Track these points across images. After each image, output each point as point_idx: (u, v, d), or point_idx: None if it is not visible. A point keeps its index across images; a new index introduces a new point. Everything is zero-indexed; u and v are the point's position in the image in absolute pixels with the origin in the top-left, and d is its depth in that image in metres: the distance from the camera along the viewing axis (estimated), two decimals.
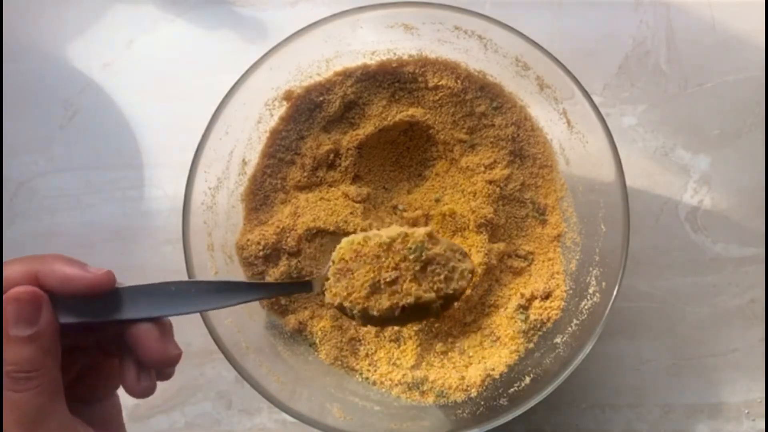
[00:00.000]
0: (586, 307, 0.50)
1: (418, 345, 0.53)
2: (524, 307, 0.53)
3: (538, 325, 0.52)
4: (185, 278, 0.48)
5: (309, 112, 0.54)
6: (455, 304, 0.48)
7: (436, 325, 0.53)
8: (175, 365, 0.39)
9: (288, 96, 0.54)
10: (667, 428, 0.55)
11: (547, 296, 0.52)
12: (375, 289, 0.44)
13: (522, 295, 0.53)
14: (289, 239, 0.52)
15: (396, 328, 0.53)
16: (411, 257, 0.44)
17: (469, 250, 0.53)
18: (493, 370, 0.52)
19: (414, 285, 0.43)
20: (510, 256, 0.55)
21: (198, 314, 0.47)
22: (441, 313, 0.46)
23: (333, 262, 0.45)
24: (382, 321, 0.45)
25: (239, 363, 0.47)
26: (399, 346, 0.53)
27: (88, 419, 0.37)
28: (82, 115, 0.61)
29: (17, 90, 0.61)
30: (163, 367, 0.39)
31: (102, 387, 0.41)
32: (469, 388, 0.51)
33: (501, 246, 0.53)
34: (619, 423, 0.55)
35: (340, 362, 0.53)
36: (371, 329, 0.54)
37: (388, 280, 0.43)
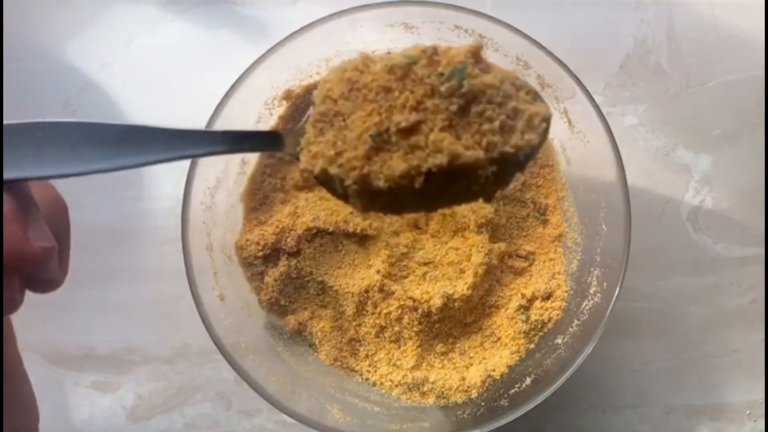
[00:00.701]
0: (587, 307, 0.50)
1: (418, 346, 0.53)
2: (525, 308, 0.52)
3: (539, 326, 0.52)
4: (185, 280, 0.47)
5: (309, 111, 0.54)
6: (517, 175, 0.31)
7: (437, 325, 0.53)
8: (45, 265, 0.25)
9: (287, 95, 0.53)
10: (669, 429, 0.55)
11: (548, 297, 0.52)
12: (381, 142, 0.27)
13: (523, 296, 0.53)
14: (288, 239, 0.52)
15: (396, 328, 0.53)
16: (443, 89, 0.27)
17: (470, 250, 0.53)
18: (494, 370, 0.51)
19: (447, 135, 0.27)
20: (511, 257, 0.54)
21: (197, 315, 0.47)
22: (494, 188, 0.29)
23: (314, 104, 0.30)
24: (392, 201, 0.28)
25: (238, 363, 0.47)
26: (399, 347, 0.53)
27: None
28: (81, 114, 0.61)
29: (16, 89, 0.61)
30: (23, 266, 0.24)
31: None
32: (469, 389, 0.51)
33: (502, 246, 0.53)
34: (620, 424, 0.55)
35: (339, 363, 0.53)
36: (371, 330, 0.53)
37: (403, 125, 0.27)
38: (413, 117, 0.27)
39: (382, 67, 0.28)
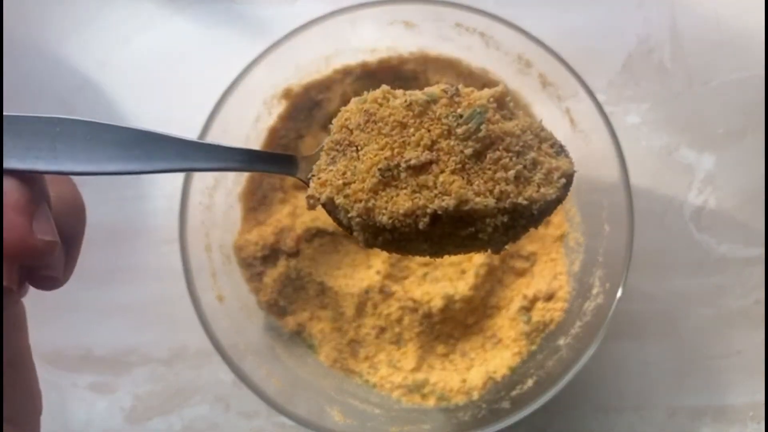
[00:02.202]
0: (589, 308, 0.49)
1: (419, 347, 0.52)
2: (527, 309, 0.52)
3: (541, 327, 0.52)
4: (183, 280, 0.47)
5: (308, 110, 0.53)
6: (532, 230, 0.29)
7: (438, 326, 0.52)
8: (45, 259, 0.24)
9: (287, 94, 0.53)
10: (671, 431, 0.55)
11: (550, 297, 0.52)
12: (390, 178, 0.27)
13: (525, 297, 0.52)
14: (287, 240, 0.52)
15: (396, 329, 0.52)
16: (459, 131, 0.27)
17: None
18: (495, 372, 0.51)
19: (457, 179, 0.26)
20: (512, 257, 0.54)
21: (195, 315, 0.47)
22: (504, 240, 0.28)
23: (331, 132, 0.30)
24: (397, 240, 0.28)
25: (237, 365, 0.46)
26: (399, 348, 0.53)
27: None
28: (78, 113, 0.60)
29: (14, 88, 0.61)
30: (24, 257, 0.24)
31: None
32: (470, 391, 0.51)
33: None
34: (622, 426, 0.55)
35: (339, 364, 0.53)
36: (371, 331, 0.53)
37: (413, 163, 0.26)
38: (425, 156, 0.27)
39: (401, 102, 0.28)
